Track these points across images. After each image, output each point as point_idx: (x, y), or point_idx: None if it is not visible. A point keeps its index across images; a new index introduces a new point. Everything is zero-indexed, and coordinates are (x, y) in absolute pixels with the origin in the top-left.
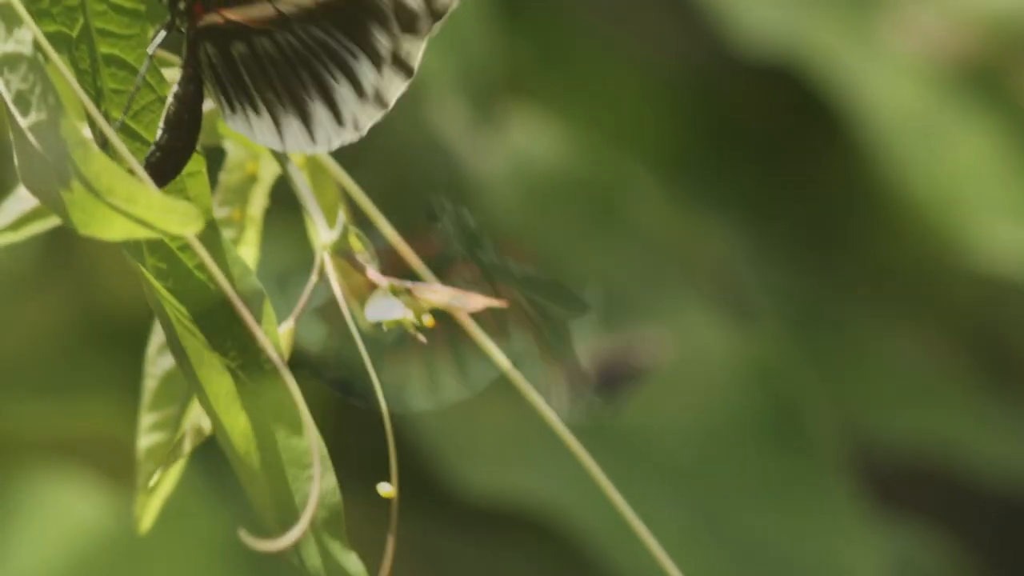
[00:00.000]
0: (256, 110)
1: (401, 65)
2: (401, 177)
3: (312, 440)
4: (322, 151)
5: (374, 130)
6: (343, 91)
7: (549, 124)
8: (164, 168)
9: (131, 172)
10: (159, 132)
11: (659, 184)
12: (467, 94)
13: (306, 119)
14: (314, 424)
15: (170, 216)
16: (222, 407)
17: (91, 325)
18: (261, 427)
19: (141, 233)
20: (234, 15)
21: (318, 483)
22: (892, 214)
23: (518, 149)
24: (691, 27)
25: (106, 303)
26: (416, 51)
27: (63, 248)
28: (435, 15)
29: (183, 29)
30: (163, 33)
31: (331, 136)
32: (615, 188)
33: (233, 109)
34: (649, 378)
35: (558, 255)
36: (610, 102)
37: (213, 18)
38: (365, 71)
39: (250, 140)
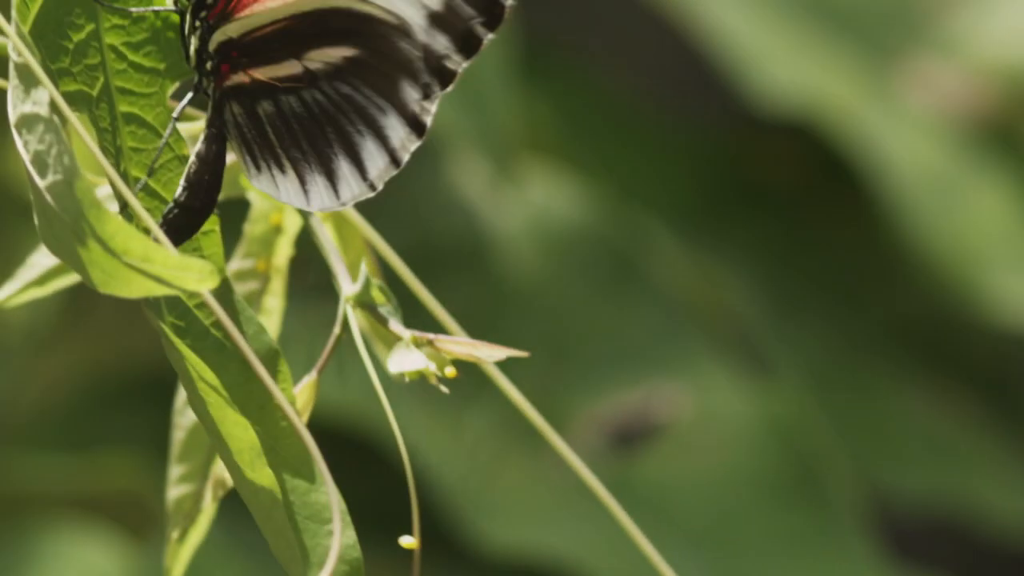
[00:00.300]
0: (282, 168)
1: (415, 123)
2: (420, 234)
3: (332, 496)
4: (345, 207)
5: (393, 186)
6: (369, 146)
7: (568, 181)
8: (182, 225)
9: (147, 231)
10: (179, 190)
11: (677, 240)
12: (486, 151)
13: (331, 176)
14: (333, 480)
15: (186, 274)
16: (246, 462)
17: (110, 381)
18: (281, 482)
19: (159, 291)
20: (261, 74)
21: (338, 539)
22: (909, 269)
23: (537, 206)
24: (710, 84)
25: (125, 359)
26: (432, 108)
27: (83, 303)
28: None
29: (208, 91)
30: (189, 95)
31: (355, 192)
32: (633, 244)
33: (259, 168)
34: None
35: (576, 311)
36: (629, 159)
37: (240, 78)
38: (393, 124)
39: (280, 200)
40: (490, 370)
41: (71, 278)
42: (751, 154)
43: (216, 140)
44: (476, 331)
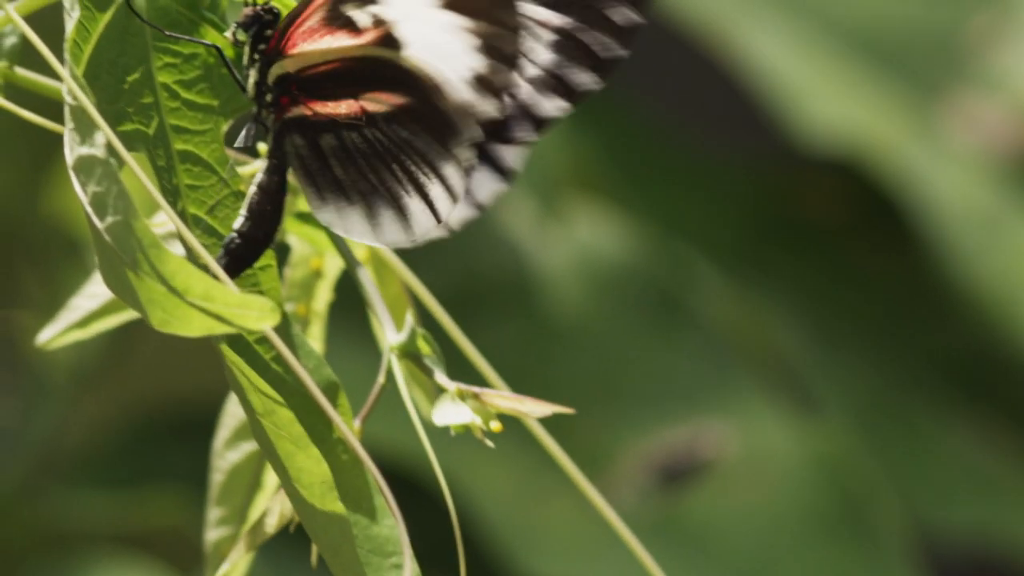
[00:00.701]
0: (349, 200)
1: (496, 166)
2: (467, 271)
3: (399, 529)
4: (416, 244)
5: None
6: (435, 190)
7: (614, 218)
8: (243, 256)
9: (207, 269)
10: (241, 220)
11: (723, 277)
12: (532, 188)
13: (402, 211)
14: (400, 514)
15: (247, 312)
16: (316, 496)
17: (155, 418)
18: (345, 516)
19: (220, 329)
20: (321, 108)
21: (409, 573)
22: (954, 306)
23: (583, 243)
24: (756, 122)
25: (169, 396)
26: (510, 154)
27: (127, 342)
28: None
29: (268, 123)
30: (251, 127)
31: (427, 230)
32: (679, 282)
33: (323, 199)
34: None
35: (622, 349)
36: (675, 196)
37: (300, 110)
38: (451, 173)
39: (342, 233)
40: (530, 423)
41: (112, 321)
42: (796, 191)
43: (277, 171)
44: (522, 369)
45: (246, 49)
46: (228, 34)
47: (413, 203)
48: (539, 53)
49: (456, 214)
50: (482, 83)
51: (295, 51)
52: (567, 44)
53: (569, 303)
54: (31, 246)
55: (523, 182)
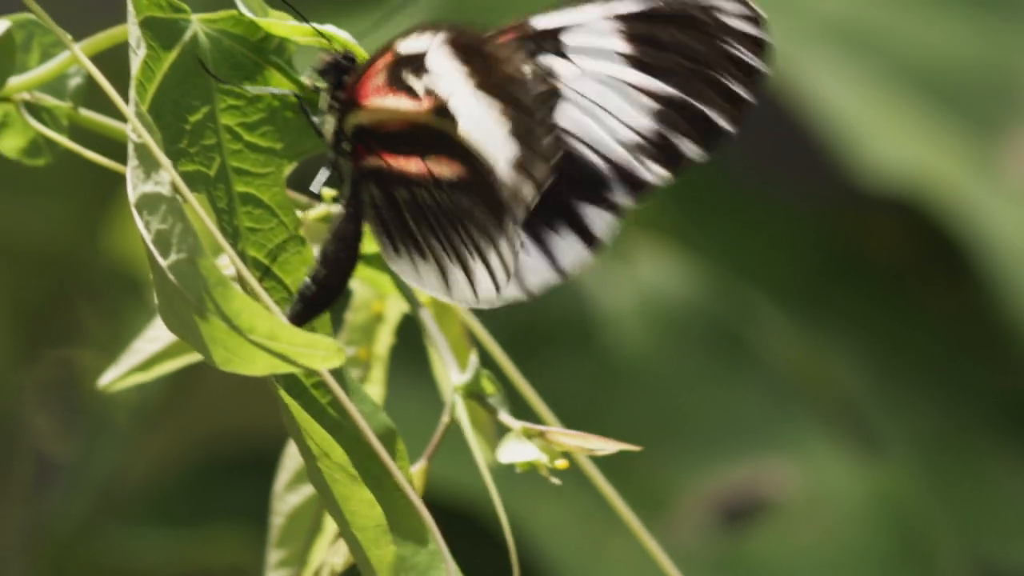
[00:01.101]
0: (423, 255)
1: (583, 232)
2: (530, 309)
3: (451, 573)
4: (487, 306)
5: None
6: (495, 259)
7: (676, 257)
8: (317, 303)
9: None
10: (316, 267)
11: (785, 316)
12: None
13: (469, 273)
14: (454, 563)
15: (313, 352)
16: (370, 539)
17: (217, 456)
18: (399, 559)
19: (283, 368)
20: (395, 163)
21: None
22: (1016, 344)
23: (645, 282)
24: (817, 161)
25: (230, 435)
26: (600, 219)
27: (187, 381)
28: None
29: (344, 171)
30: (325, 172)
31: (491, 295)
32: (741, 320)
33: (397, 251)
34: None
35: (684, 387)
36: (737, 235)
37: (376, 161)
38: (504, 247)
39: (416, 286)
40: (585, 463)
41: (174, 364)
42: (858, 230)
43: (354, 219)
44: (584, 407)
45: (323, 96)
46: (307, 80)
47: (477, 268)
48: (635, 118)
49: (538, 279)
50: (519, 167)
51: (368, 104)
52: (669, 113)
53: (632, 342)
54: (92, 285)
55: None
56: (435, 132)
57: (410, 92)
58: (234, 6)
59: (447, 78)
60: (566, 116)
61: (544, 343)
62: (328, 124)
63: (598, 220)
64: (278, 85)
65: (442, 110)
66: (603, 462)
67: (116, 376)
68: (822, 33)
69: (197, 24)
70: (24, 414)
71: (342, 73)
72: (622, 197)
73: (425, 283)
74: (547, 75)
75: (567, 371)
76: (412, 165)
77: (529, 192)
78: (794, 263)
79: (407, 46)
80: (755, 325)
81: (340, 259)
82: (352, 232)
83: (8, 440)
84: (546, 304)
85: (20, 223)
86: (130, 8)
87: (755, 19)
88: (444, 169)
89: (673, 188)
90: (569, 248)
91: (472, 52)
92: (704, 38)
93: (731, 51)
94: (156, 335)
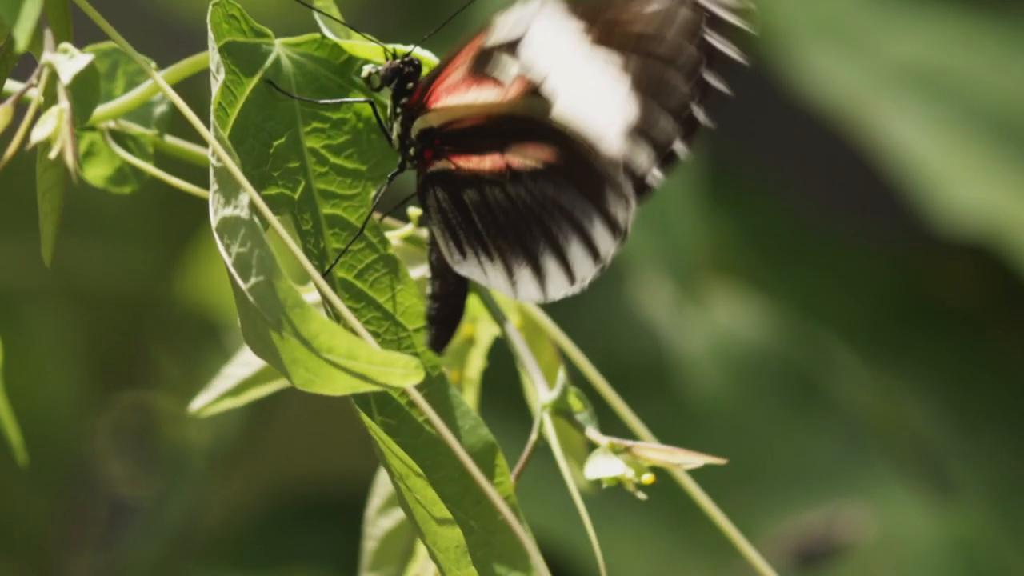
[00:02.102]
0: (489, 256)
1: (619, 231)
2: (605, 353)
3: None
4: (552, 299)
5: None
6: (575, 250)
7: (751, 301)
8: (443, 318)
9: (351, 329)
10: (428, 282)
11: (860, 359)
12: (671, 271)
13: (538, 271)
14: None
15: (392, 369)
16: (451, 560)
17: (291, 500)
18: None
19: (363, 388)
20: (465, 164)
21: None
22: None
23: (721, 326)
24: (893, 204)
25: (305, 478)
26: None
27: (262, 423)
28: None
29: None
30: (384, 186)
31: (562, 290)
32: (816, 364)
33: (463, 253)
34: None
35: (759, 431)
36: (812, 279)
37: (444, 164)
38: (600, 232)
39: (483, 283)
40: (682, 478)
41: (265, 388)
42: (934, 274)
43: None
44: None
45: (389, 102)
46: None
47: (550, 263)
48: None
49: (584, 271)
50: (639, 131)
51: (438, 105)
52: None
53: (707, 386)
54: (167, 328)
55: (661, 265)
56: (520, 120)
57: (496, 82)
58: (316, 28)
59: (551, 48)
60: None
61: (620, 387)
62: (394, 131)
63: (622, 210)
64: (360, 108)
65: (535, 93)
66: (678, 507)
67: (208, 401)
68: (897, 77)
69: (280, 48)
70: (99, 457)
71: (405, 79)
72: (629, 188)
73: (490, 283)
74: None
75: (643, 415)
76: (486, 162)
77: (646, 159)
78: (869, 307)
79: (503, 30)
80: (830, 369)
81: (445, 266)
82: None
83: (83, 483)
84: (621, 348)
85: (96, 266)
86: (211, 34)
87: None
88: (527, 158)
89: (749, 232)
90: (602, 240)
91: (590, 6)
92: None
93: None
94: (247, 360)
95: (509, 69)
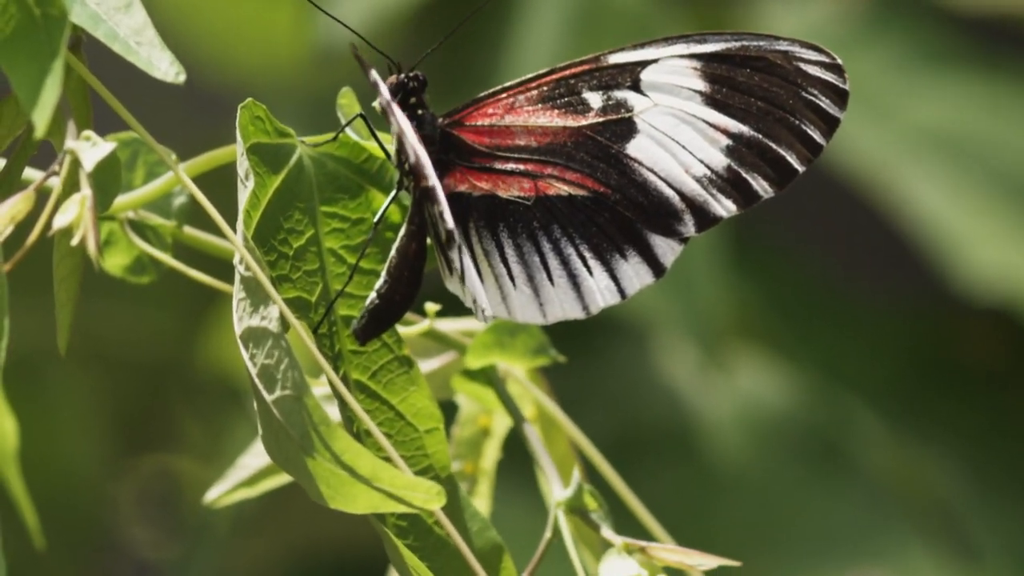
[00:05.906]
0: (480, 276)
1: (650, 259)
2: (628, 417)
3: None
4: (551, 322)
5: (601, 370)
6: (590, 282)
7: (775, 365)
8: (382, 317)
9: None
10: (380, 281)
11: (882, 422)
12: (695, 336)
13: (538, 295)
14: None
15: (414, 493)
16: None
17: (314, 564)
18: None
19: (386, 507)
20: (481, 182)
21: None
22: None
23: (744, 391)
24: (915, 268)
25: (328, 542)
26: (667, 247)
27: (286, 488)
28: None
29: (409, 189)
30: (384, 209)
31: (563, 315)
32: (839, 429)
33: (451, 271)
34: None
35: (783, 496)
36: (835, 343)
37: (451, 181)
38: (637, 269)
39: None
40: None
41: (280, 479)
42: (956, 336)
43: (415, 237)
44: (683, 516)
45: (390, 117)
46: (375, 104)
47: (559, 293)
48: (708, 152)
49: (600, 300)
50: (725, 181)
51: (484, 122)
52: (741, 149)
53: (730, 450)
54: (190, 391)
55: (685, 330)
56: (583, 147)
57: (575, 108)
58: (336, 127)
59: (669, 92)
60: (639, 146)
61: (643, 451)
62: (393, 144)
63: (667, 249)
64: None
65: (618, 125)
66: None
67: (222, 492)
68: (918, 140)
69: (302, 148)
70: (123, 520)
71: (409, 94)
72: (691, 228)
73: (477, 299)
74: (620, 106)
75: (666, 480)
76: (511, 184)
77: (724, 208)
78: (891, 370)
79: (625, 55)
80: (853, 433)
81: (402, 276)
82: (414, 250)
83: (108, 547)
84: (645, 413)
85: (118, 330)
86: (238, 136)
87: (835, 67)
88: (566, 184)
89: (772, 296)
90: (635, 273)
91: (719, 72)
92: (781, 82)
93: (809, 97)
94: (262, 450)
95: (600, 98)
